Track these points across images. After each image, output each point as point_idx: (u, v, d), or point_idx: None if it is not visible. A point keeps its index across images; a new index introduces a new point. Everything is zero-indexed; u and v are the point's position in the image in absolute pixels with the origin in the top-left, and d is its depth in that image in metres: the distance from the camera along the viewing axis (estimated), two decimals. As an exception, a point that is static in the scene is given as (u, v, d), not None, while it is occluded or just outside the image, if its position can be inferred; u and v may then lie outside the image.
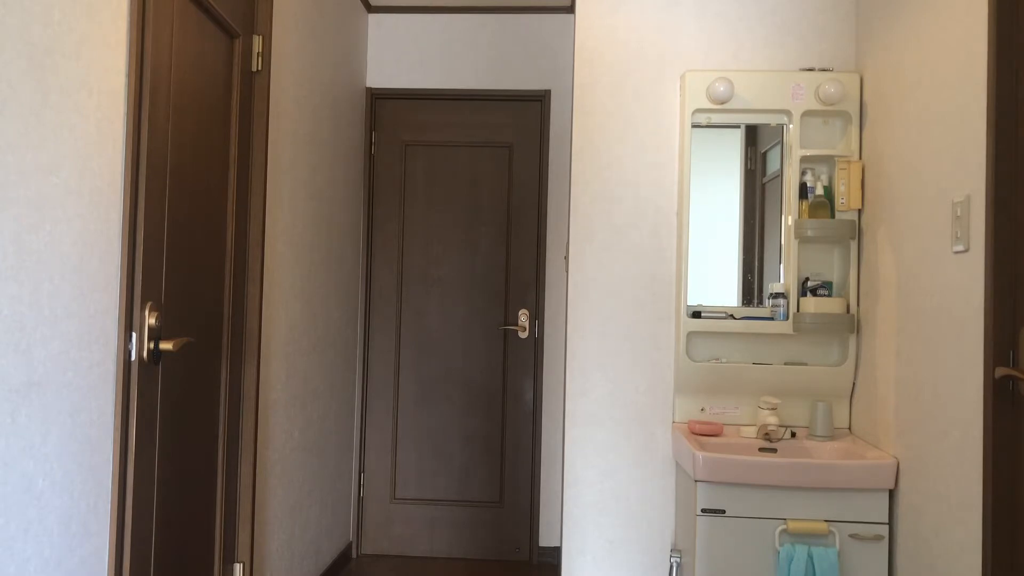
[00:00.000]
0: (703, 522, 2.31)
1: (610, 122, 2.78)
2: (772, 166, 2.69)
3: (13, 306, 1.40)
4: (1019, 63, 1.76)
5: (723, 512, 2.30)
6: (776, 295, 2.62)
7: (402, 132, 3.89)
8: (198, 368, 2.16)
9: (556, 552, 3.74)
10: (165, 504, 1.97)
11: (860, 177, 2.58)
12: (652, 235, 2.76)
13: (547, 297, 3.80)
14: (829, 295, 2.64)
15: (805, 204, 2.63)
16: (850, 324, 2.56)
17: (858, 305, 2.60)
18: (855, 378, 2.62)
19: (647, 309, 2.75)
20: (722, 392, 2.68)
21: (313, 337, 3.12)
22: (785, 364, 2.68)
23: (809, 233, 2.57)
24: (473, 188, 3.86)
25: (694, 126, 2.69)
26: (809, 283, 2.65)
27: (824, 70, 2.66)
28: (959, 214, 1.92)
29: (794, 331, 2.59)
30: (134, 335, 1.79)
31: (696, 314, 2.67)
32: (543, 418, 3.79)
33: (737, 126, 2.72)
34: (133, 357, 1.79)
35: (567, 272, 3.43)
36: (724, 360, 2.70)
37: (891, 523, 2.28)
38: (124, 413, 1.76)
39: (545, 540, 3.77)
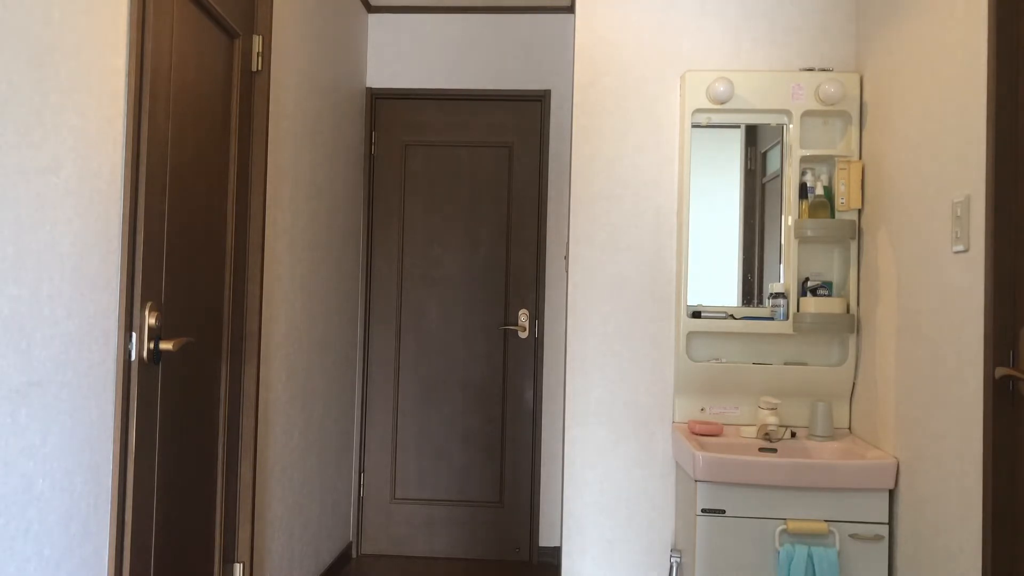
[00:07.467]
0: (703, 522, 2.31)
1: (610, 122, 2.78)
2: (772, 166, 2.69)
3: (13, 306, 1.40)
4: (1019, 63, 1.76)
5: (723, 512, 2.30)
6: (776, 295, 2.62)
7: (402, 132, 3.89)
8: (198, 368, 2.16)
9: (556, 552, 3.74)
10: (165, 504, 1.97)
11: (860, 177, 2.58)
12: (652, 235, 2.76)
13: (547, 297, 3.80)
14: (829, 295, 2.64)
15: (805, 204, 2.63)
16: (850, 324, 2.56)
17: (858, 305, 2.60)
18: (855, 378, 2.62)
19: (647, 309, 2.75)
20: (722, 392, 2.68)
21: (313, 337, 3.12)
22: (785, 364, 2.68)
23: (809, 233, 2.57)
24: (473, 188, 3.86)
25: (694, 126, 2.69)
26: (809, 283, 2.65)
27: (824, 70, 2.66)
28: (959, 214, 1.92)
29: (794, 331, 2.59)
30: (134, 335, 1.79)
31: (696, 314, 2.67)
32: (543, 418, 3.79)
33: (737, 126, 2.72)
34: (133, 357, 1.79)
35: (567, 272, 3.43)
36: (724, 360, 2.70)
37: (891, 523, 2.28)
38: (124, 413, 1.76)
39: (545, 540, 3.77)
